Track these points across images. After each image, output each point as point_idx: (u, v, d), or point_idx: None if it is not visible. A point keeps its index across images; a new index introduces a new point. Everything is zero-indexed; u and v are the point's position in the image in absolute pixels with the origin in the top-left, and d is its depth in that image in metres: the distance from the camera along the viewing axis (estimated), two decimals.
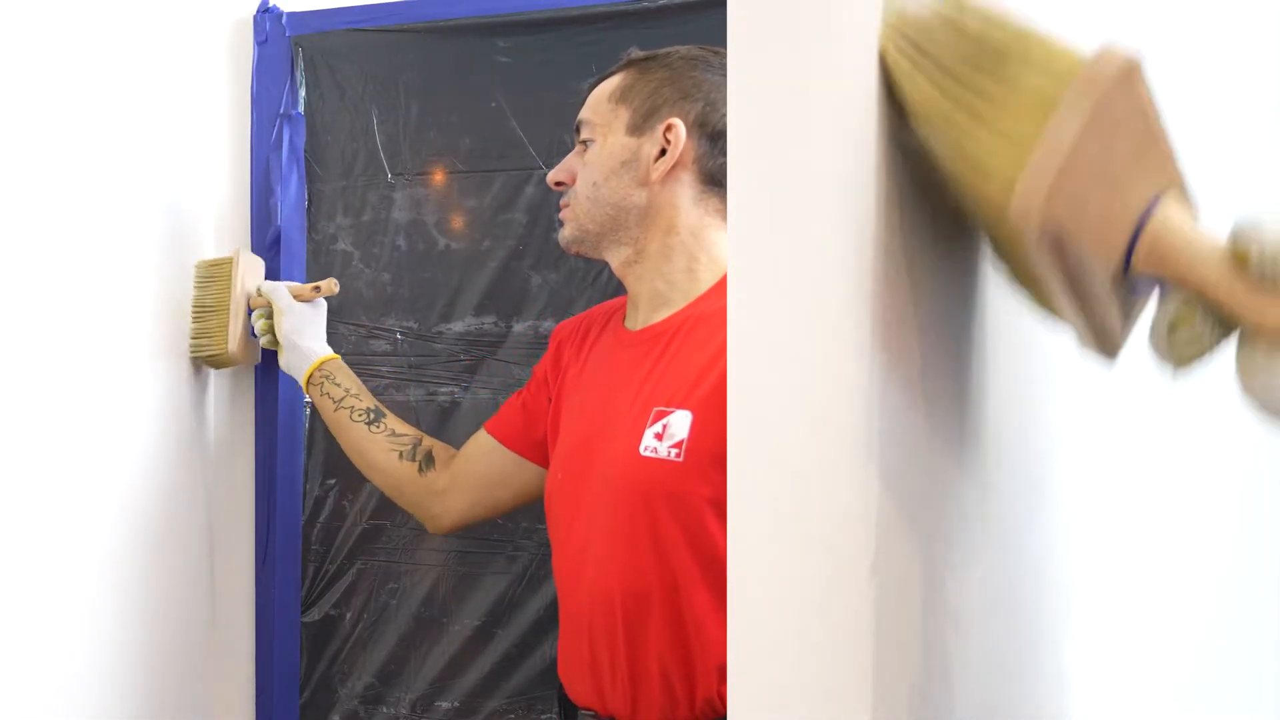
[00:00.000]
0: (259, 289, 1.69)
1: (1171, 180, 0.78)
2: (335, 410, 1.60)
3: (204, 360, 1.70)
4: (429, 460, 1.59)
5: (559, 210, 1.47)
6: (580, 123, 1.45)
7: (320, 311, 1.69)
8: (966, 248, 0.97)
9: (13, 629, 1.26)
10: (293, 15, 1.80)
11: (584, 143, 1.44)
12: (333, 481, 1.80)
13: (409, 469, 1.58)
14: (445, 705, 1.77)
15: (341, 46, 1.80)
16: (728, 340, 0.84)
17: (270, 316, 1.68)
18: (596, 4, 1.71)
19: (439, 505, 1.59)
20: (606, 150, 1.41)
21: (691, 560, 1.27)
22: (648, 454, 1.29)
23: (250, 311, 1.69)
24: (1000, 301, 1.02)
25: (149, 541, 1.57)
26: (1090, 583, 1.29)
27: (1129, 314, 0.81)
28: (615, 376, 1.41)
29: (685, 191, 1.39)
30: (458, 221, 1.78)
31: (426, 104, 1.78)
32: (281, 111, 1.79)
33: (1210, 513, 1.57)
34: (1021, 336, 1.12)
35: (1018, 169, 0.72)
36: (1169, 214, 0.76)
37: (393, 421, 1.61)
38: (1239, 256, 0.72)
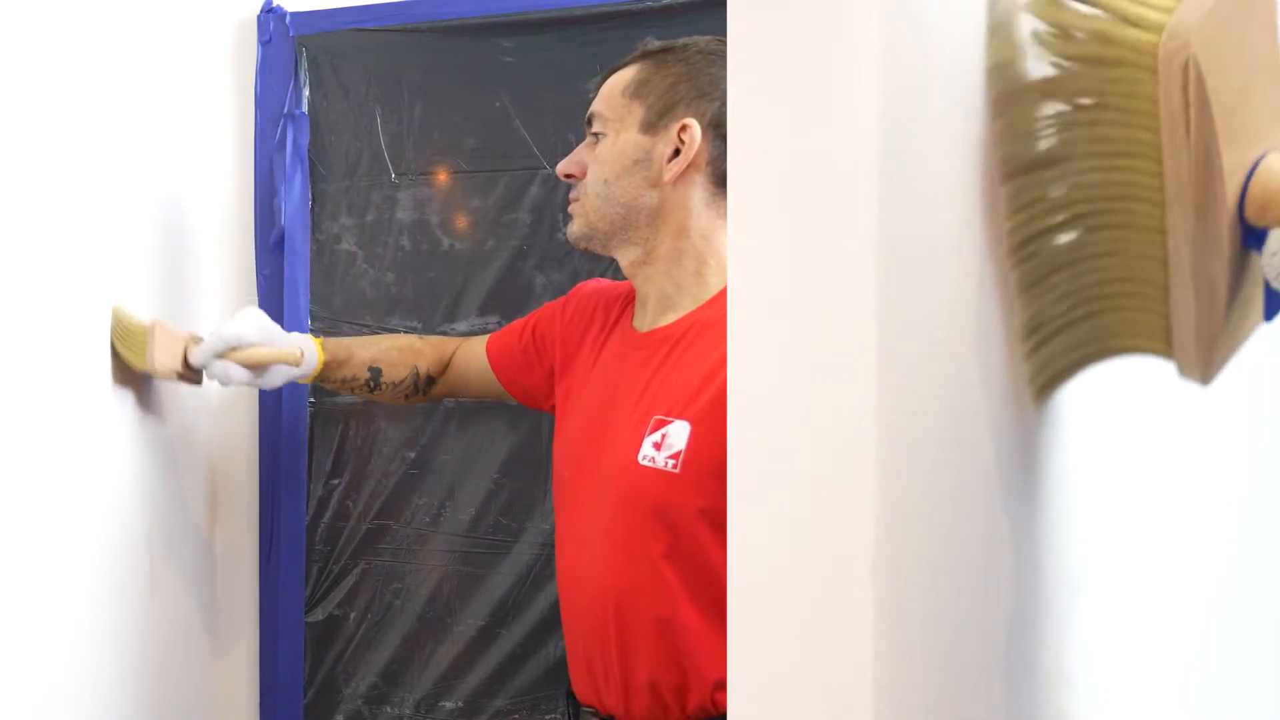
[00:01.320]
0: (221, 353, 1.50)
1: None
2: (341, 391, 1.70)
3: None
4: (429, 383, 1.67)
5: (567, 205, 1.45)
6: (592, 115, 1.41)
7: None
8: (968, 249, 0.97)
9: (14, 630, 1.26)
10: (296, 15, 1.80)
11: (595, 135, 1.40)
12: (336, 481, 1.80)
13: (417, 400, 1.69)
14: (449, 705, 1.77)
15: (345, 46, 1.80)
16: (728, 341, 0.83)
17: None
18: (601, 4, 1.70)
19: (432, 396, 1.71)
20: (618, 147, 1.37)
21: (684, 570, 1.26)
22: (645, 463, 1.28)
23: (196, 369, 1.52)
24: (1001, 300, 1.02)
25: (152, 541, 1.57)
26: (1093, 582, 1.29)
27: (1237, 275, 0.90)
28: (620, 378, 1.40)
29: (697, 194, 1.36)
30: (462, 221, 1.78)
31: (430, 104, 1.78)
32: (285, 111, 1.79)
33: (1212, 512, 1.57)
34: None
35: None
36: (1273, 165, 0.87)
37: (389, 371, 1.64)
38: None
